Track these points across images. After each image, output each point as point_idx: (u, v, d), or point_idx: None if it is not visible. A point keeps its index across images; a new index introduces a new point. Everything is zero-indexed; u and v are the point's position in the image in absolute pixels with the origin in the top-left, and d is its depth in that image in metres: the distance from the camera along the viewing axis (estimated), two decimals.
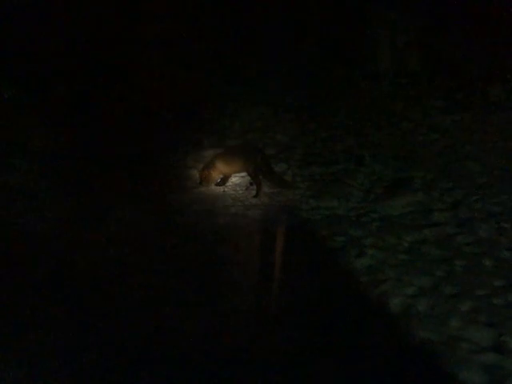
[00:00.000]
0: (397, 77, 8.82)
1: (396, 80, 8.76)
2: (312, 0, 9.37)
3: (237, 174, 5.54)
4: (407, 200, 4.90)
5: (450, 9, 8.49)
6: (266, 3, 9.30)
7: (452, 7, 8.48)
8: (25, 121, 6.65)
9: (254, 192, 5.23)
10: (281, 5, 9.35)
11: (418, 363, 3.00)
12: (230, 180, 5.51)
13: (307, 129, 6.90)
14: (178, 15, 9.03)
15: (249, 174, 5.31)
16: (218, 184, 5.44)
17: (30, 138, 6.36)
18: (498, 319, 3.23)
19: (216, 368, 2.94)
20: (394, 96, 8.25)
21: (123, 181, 5.45)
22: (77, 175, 5.58)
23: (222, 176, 5.46)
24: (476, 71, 8.17)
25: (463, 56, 8.40)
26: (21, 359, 3.01)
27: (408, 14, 8.68)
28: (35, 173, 5.61)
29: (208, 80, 8.08)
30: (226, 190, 5.37)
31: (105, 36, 8.19)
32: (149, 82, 7.73)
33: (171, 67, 8.22)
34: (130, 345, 3.12)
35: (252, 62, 8.70)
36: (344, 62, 8.81)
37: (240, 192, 5.32)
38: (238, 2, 9.25)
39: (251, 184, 5.36)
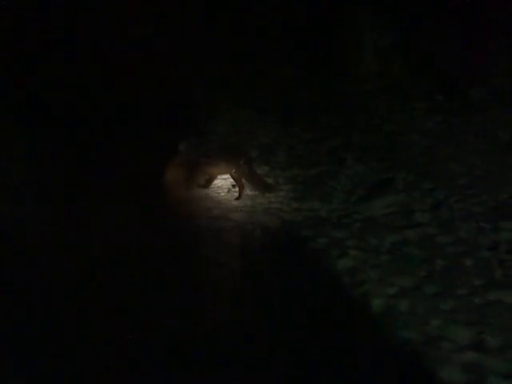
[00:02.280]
0: (380, 79, 8.85)
1: (379, 82, 8.79)
2: (296, 3, 9.40)
3: (219, 176, 5.51)
4: (389, 201, 4.92)
5: (431, 11, 8.56)
6: (252, 7, 9.33)
7: (433, 9, 8.54)
8: (10, 123, 6.59)
9: (236, 194, 5.22)
10: (266, 8, 9.38)
11: (400, 363, 3.01)
12: (213, 182, 5.48)
13: (290, 131, 6.91)
14: (163, 16, 9.01)
15: (231, 176, 5.30)
16: (200, 186, 5.42)
17: (16, 141, 6.31)
18: (478, 318, 3.26)
19: (204, 370, 2.94)
20: (377, 98, 8.28)
21: (105, 184, 5.41)
22: (64, 178, 5.53)
23: (204, 178, 5.43)
24: (458, 73, 8.23)
25: (445, 58, 8.46)
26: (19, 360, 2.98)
27: (391, 16, 8.74)
28: (22, 176, 5.55)
29: (191, 82, 8.06)
30: (207, 192, 5.35)
31: (90, 36, 8.16)
32: (132, 84, 7.69)
33: (155, 69, 8.19)
34: (120, 347, 3.10)
35: (236, 65, 8.70)
36: (327, 64, 8.83)
37: (222, 194, 5.31)
38: (224, 3, 9.26)
39: (233, 186, 5.35)
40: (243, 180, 5.23)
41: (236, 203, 5.08)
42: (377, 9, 8.86)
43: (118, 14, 8.83)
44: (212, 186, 5.46)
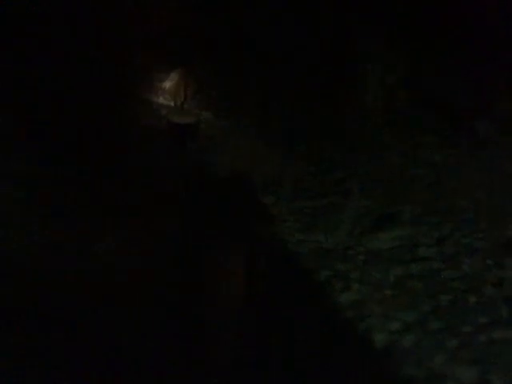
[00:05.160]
0: (385, 112, 8.91)
1: (384, 115, 8.85)
2: (301, 35, 9.52)
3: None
4: (394, 234, 4.90)
5: (436, 45, 8.65)
6: (254, 37, 9.44)
7: (438, 43, 8.64)
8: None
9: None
10: (269, 39, 9.50)
11: None
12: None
13: (296, 162, 6.93)
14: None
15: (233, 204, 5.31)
16: None
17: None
18: (483, 356, 3.21)
19: None
20: (382, 131, 8.32)
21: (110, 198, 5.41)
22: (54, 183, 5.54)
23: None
24: (464, 108, 8.28)
25: (450, 91, 8.52)
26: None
27: (396, 49, 8.84)
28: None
29: (196, 112, 8.13)
30: None
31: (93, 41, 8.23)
32: (132, 108, 7.76)
33: (157, 97, 8.29)
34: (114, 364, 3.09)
35: (242, 95, 8.78)
36: (332, 97, 8.91)
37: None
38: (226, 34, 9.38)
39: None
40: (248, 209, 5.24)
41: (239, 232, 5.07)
42: (381, 42, 8.97)
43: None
44: None
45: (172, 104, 8.26)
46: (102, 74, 8.00)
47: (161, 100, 8.47)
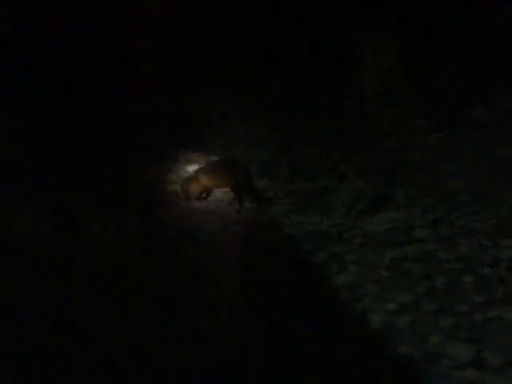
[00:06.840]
0: (382, 97, 8.89)
1: (381, 100, 8.83)
2: (298, 23, 9.48)
3: (219, 189, 5.51)
4: (389, 216, 4.90)
5: (431, 31, 8.63)
6: (252, 27, 9.40)
7: (434, 29, 8.62)
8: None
9: (236, 207, 5.21)
10: (264, 26, 9.46)
11: (399, 379, 2.98)
12: (213, 195, 5.48)
13: (292, 146, 6.92)
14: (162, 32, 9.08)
15: (231, 189, 5.30)
16: (200, 199, 5.41)
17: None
18: (478, 335, 3.22)
19: None
20: (378, 116, 8.31)
21: (103, 195, 5.40)
22: (56, 191, 5.52)
23: (204, 190, 5.43)
24: (459, 92, 8.27)
25: (446, 77, 8.52)
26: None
27: (392, 35, 8.81)
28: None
29: (192, 97, 8.11)
30: (208, 205, 5.35)
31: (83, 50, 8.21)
32: (132, 95, 7.73)
33: (154, 83, 8.24)
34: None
35: (237, 83, 8.75)
36: (328, 83, 8.88)
37: (222, 207, 5.30)
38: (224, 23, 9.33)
39: (234, 199, 5.34)
40: (244, 193, 5.23)
41: (236, 216, 5.07)
42: (381, 30, 8.93)
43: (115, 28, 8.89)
44: (212, 198, 5.45)
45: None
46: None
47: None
